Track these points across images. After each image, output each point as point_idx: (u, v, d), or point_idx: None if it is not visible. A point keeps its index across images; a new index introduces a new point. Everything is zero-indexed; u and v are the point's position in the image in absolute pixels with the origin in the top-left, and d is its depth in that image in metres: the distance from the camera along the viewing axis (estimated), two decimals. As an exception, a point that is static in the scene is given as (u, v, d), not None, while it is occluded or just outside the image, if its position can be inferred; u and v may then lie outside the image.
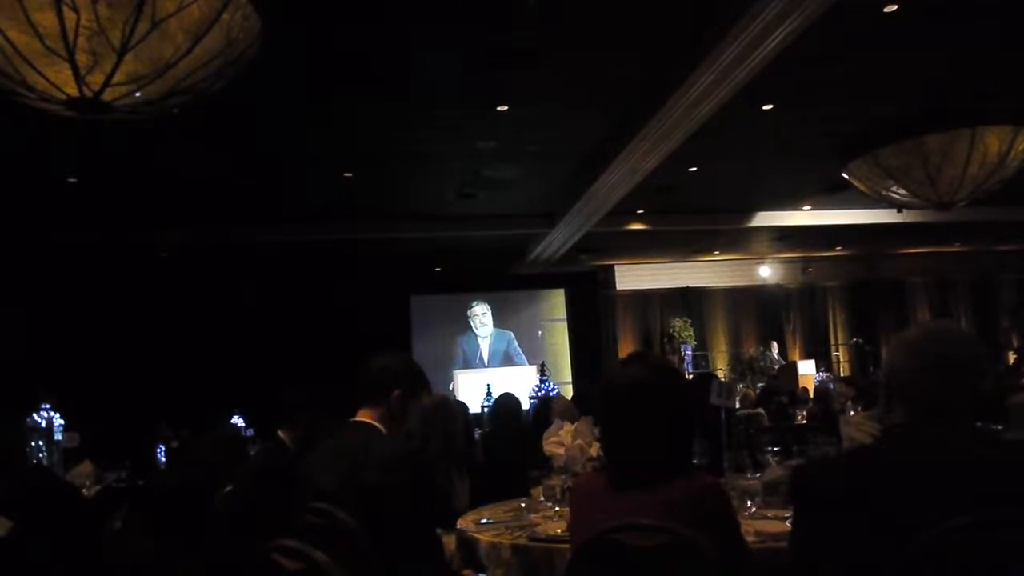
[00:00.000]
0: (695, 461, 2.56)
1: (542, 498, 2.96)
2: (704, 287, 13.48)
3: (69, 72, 3.35)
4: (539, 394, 10.92)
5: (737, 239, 11.76)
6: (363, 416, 2.32)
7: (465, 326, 13.00)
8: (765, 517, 2.46)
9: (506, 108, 6.15)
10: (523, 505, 3.02)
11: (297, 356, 10.42)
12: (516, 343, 13.05)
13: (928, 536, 1.33)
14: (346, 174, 7.65)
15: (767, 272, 13.54)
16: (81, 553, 2.56)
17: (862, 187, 7.62)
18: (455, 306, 12.93)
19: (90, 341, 10.23)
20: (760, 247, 12.61)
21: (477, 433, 5.19)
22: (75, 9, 3.13)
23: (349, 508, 2.01)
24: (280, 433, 3.89)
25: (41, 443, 6.02)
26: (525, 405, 5.99)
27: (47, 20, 3.17)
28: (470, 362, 12.90)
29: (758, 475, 2.77)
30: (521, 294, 13.12)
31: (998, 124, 6.47)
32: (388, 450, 2.19)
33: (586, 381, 12.06)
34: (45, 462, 5.97)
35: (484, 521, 2.78)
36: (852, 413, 5.98)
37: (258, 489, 3.48)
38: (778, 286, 13.70)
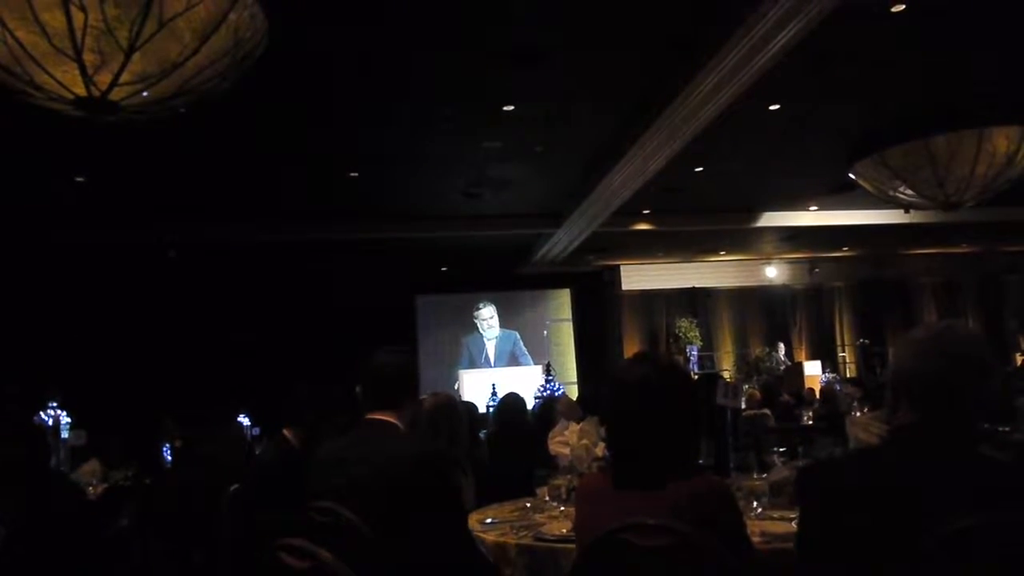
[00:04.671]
0: (701, 461, 2.55)
1: (547, 498, 2.95)
2: (710, 287, 13.45)
3: (77, 72, 3.36)
4: (544, 394, 10.91)
5: (743, 239, 11.74)
6: (383, 416, 2.31)
7: (471, 326, 13.00)
8: (771, 518, 2.45)
9: (512, 108, 6.15)
10: (529, 505, 3.01)
11: (303, 355, 10.45)
12: (521, 343, 13.05)
13: (934, 537, 1.32)
14: (352, 174, 7.66)
15: (773, 273, 13.50)
16: (81, 560, 2.55)
17: (869, 187, 7.59)
18: (461, 306, 12.93)
19: (97, 340, 10.28)
20: (766, 247, 12.58)
21: (482, 433, 5.18)
22: (83, 9, 3.14)
23: (379, 506, 2.01)
24: (286, 432, 3.89)
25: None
26: (530, 405, 5.97)
27: (55, 20, 3.18)
28: (475, 362, 12.91)
29: (764, 476, 2.76)
30: (527, 294, 13.12)
31: (1006, 124, 6.45)
32: (419, 449, 2.21)
33: (591, 381, 12.07)
34: (52, 461, 5.98)
35: (489, 521, 2.77)
36: (858, 414, 5.95)
37: (264, 488, 3.49)
38: (784, 287, 13.66)
